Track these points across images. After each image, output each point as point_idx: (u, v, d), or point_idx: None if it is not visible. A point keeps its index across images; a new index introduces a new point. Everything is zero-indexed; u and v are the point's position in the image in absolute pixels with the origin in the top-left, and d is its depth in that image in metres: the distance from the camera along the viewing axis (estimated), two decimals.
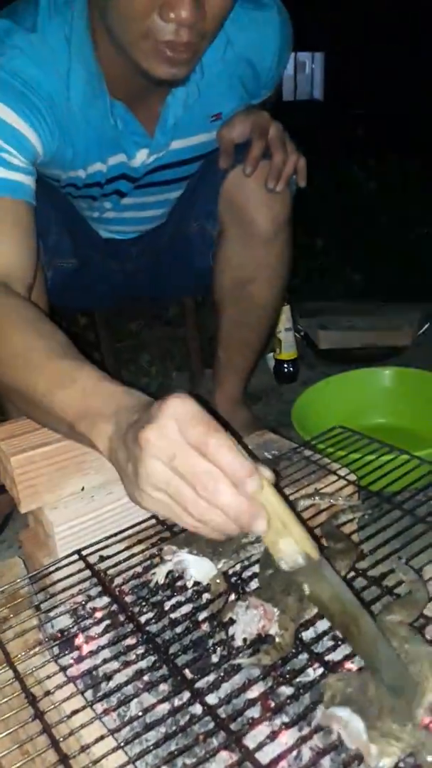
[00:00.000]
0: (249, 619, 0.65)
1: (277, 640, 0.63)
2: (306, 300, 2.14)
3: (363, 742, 0.51)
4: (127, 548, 0.82)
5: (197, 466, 0.59)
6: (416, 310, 2.05)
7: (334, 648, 0.65)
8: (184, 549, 0.75)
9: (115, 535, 0.84)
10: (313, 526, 0.84)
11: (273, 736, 0.57)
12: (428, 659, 0.57)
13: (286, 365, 1.84)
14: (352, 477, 0.93)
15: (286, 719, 0.60)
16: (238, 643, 0.65)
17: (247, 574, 0.77)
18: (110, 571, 0.79)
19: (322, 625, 0.71)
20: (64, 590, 0.77)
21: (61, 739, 0.57)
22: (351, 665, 0.64)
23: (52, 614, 0.75)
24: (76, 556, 0.81)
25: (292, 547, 0.63)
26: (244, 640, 0.65)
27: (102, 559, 0.81)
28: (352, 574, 0.74)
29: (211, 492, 0.59)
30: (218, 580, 0.75)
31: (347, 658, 0.63)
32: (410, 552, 0.75)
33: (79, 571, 0.79)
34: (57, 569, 0.80)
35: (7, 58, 0.93)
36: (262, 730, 0.59)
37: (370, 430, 1.10)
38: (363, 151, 4.05)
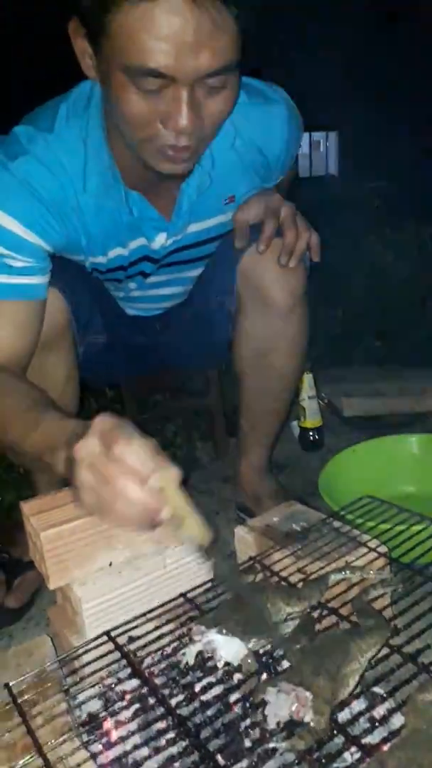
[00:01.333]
0: (282, 703, 0.63)
1: (312, 724, 0.61)
2: (329, 368, 2.16)
3: None
4: (156, 628, 0.81)
5: (111, 472, 0.73)
6: None
7: (371, 730, 0.63)
8: (213, 629, 0.75)
9: (144, 615, 0.84)
10: (345, 602, 0.82)
11: None
12: None
13: (311, 433, 1.84)
14: (383, 549, 0.92)
15: None
16: (271, 726, 0.64)
17: (279, 652, 0.76)
18: (139, 653, 0.78)
19: (358, 705, 0.69)
20: (93, 673, 0.76)
21: None
22: (387, 747, 0.62)
23: (81, 698, 0.74)
24: (105, 638, 0.80)
25: (190, 537, 0.78)
26: (278, 723, 0.64)
27: (131, 639, 0.80)
28: (386, 650, 0.72)
29: (121, 490, 0.73)
30: (249, 660, 0.73)
31: (385, 740, 0.61)
32: None
33: (109, 652, 0.78)
34: (86, 651, 0.79)
35: (20, 163, 1.02)
36: None
37: (399, 498, 1.09)
38: (378, 221, 4.16)
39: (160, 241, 1.19)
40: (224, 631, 0.73)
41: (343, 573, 0.86)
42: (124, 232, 1.15)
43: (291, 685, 0.64)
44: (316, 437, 1.84)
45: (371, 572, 0.86)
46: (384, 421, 1.87)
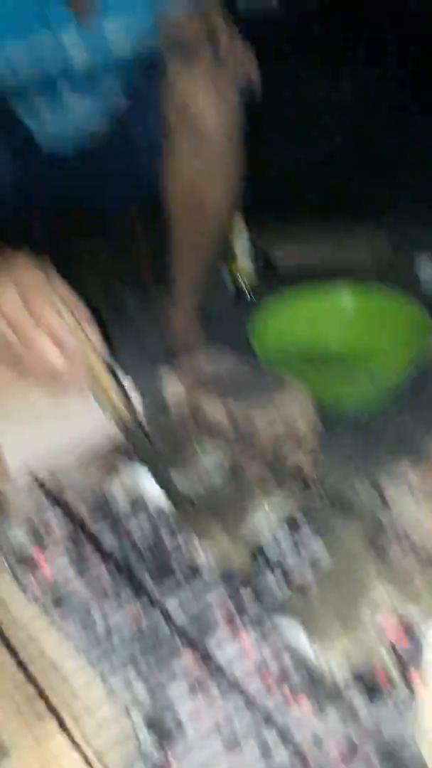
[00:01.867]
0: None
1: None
2: (262, 214, 2.08)
3: (306, 646, 0.53)
4: (83, 465, 0.81)
5: (26, 324, 0.69)
6: (378, 227, 2.03)
7: (294, 558, 0.67)
8: (142, 466, 0.75)
9: (69, 452, 0.83)
10: (268, 444, 0.84)
11: (233, 637, 0.58)
12: (377, 566, 0.59)
13: (242, 282, 1.81)
14: (311, 396, 0.93)
15: (246, 622, 0.62)
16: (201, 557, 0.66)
17: (201, 490, 0.77)
18: (64, 487, 0.77)
19: (283, 538, 0.72)
20: (17, 510, 0.75)
21: (20, 648, 0.57)
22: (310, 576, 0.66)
23: (10, 533, 0.74)
24: (30, 476, 0.79)
25: (108, 408, 0.76)
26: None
27: (56, 477, 0.80)
28: (312, 488, 0.75)
29: (35, 346, 0.70)
30: (177, 491, 0.74)
31: (307, 571, 0.65)
32: (368, 468, 0.77)
33: (34, 490, 0.77)
34: (13, 488, 0.78)
35: None
36: (227, 639, 0.61)
37: (329, 350, 1.10)
38: (323, 56, 3.81)
39: (71, 40, 1.04)
40: (150, 464, 0.74)
41: (270, 417, 0.87)
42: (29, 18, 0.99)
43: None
44: (248, 287, 1.81)
45: (298, 418, 0.88)
46: (317, 271, 1.85)
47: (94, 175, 1.33)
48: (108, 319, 0.97)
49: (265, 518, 0.68)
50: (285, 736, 0.48)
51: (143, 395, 0.99)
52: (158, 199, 1.31)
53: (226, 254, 1.77)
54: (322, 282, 1.57)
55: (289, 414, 0.88)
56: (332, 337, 1.39)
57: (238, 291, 1.80)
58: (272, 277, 1.90)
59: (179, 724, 0.53)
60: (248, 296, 1.80)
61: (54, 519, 0.75)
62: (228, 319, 1.71)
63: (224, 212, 1.34)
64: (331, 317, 1.44)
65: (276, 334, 1.30)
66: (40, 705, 0.51)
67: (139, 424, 0.75)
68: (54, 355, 0.70)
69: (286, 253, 1.96)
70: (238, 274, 1.79)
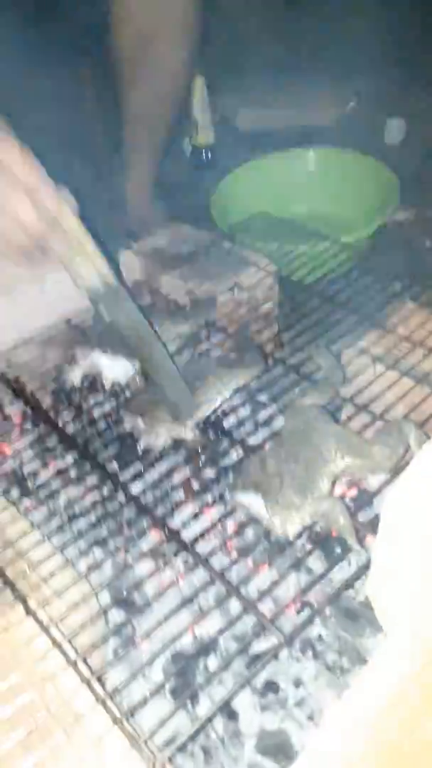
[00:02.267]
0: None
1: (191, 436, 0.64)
2: (222, 76, 1.90)
3: (266, 517, 0.53)
4: (39, 353, 0.78)
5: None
6: (342, 86, 1.88)
7: (254, 432, 0.66)
8: (98, 350, 0.72)
9: (26, 340, 0.79)
10: (232, 320, 0.81)
11: (197, 515, 0.59)
12: (335, 435, 0.59)
13: (203, 152, 1.69)
14: (272, 268, 0.89)
15: (209, 500, 0.62)
16: (160, 441, 0.65)
17: None
18: (22, 377, 0.75)
19: (244, 411, 0.72)
20: None
21: None
22: (268, 446, 0.66)
23: None
24: None
25: (92, 274, 0.62)
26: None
27: (11, 364, 0.77)
28: (271, 362, 0.73)
29: (4, 204, 0.58)
30: (137, 379, 0.72)
31: (266, 441, 0.65)
32: (329, 339, 0.75)
33: None
34: None
35: None
36: (186, 511, 0.61)
37: (293, 216, 1.04)
38: None
39: None
40: (109, 351, 0.71)
41: (232, 293, 0.84)
42: None
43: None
44: (209, 157, 1.69)
45: (258, 291, 0.84)
46: (281, 135, 1.73)
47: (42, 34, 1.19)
48: None
49: (222, 392, 0.67)
50: (248, 606, 0.49)
51: None
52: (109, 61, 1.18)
53: (185, 122, 1.64)
54: (287, 146, 1.47)
55: (251, 288, 0.85)
56: (295, 203, 1.32)
57: (198, 161, 1.68)
58: (233, 144, 1.77)
59: (147, 601, 0.54)
60: (208, 165, 1.68)
61: (14, 409, 0.73)
62: (187, 192, 1.61)
63: (181, 71, 1.21)
64: (295, 182, 1.36)
65: (237, 204, 1.23)
66: (7, 593, 0.51)
67: (122, 287, 0.64)
68: (30, 216, 0.59)
69: (248, 118, 1.82)
70: (197, 143, 1.66)
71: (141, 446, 0.65)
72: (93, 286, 0.62)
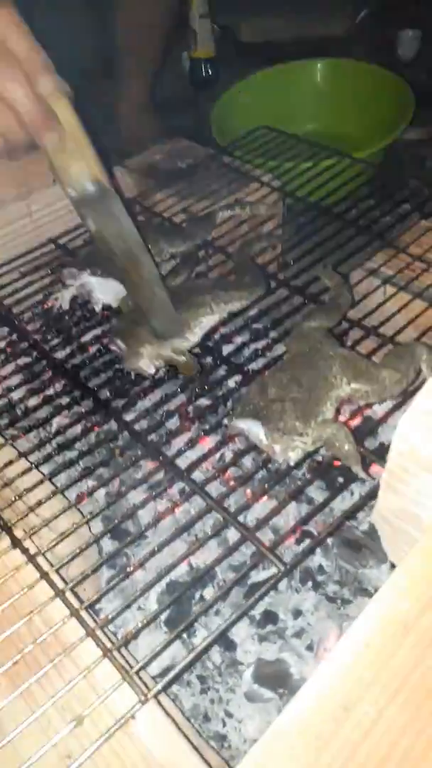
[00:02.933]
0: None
1: (183, 359, 0.59)
2: None
3: (266, 444, 0.50)
4: (23, 276, 0.73)
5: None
6: None
7: (254, 359, 0.62)
8: (87, 271, 0.67)
9: (9, 263, 0.74)
10: (233, 240, 0.75)
11: (192, 443, 0.56)
12: (340, 359, 0.55)
13: (203, 65, 1.58)
14: (277, 183, 0.83)
15: (206, 427, 0.59)
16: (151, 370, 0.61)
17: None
18: (6, 301, 0.70)
19: (242, 338, 0.68)
20: None
21: None
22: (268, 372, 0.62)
23: None
24: None
25: (84, 172, 0.55)
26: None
27: (1, 293, 0.72)
28: (273, 284, 0.68)
29: (1, 81, 0.50)
30: (128, 302, 0.68)
31: (266, 367, 0.61)
32: (337, 259, 0.70)
33: None
34: None
35: None
36: (182, 440, 0.58)
37: (300, 132, 0.97)
38: None
39: None
40: (99, 272, 0.66)
41: (233, 209, 0.78)
42: None
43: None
44: (209, 71, 1.58)
45: (261, 207, 0.79)
46: (285, 47, 1.61)
47: None
48: None
49: (219, 313, 0.62)
50: (246, 534, 0.47)
51: None
52: None
53: (183, 33, 1.52)
54: (291, 59, 1.36)
55: (253, 205, 0.79)
56: (302, 118, 1.23)
57: (197, 75, 1.57)
58: (235, 57, 1.65)
59: (141, 530, 0.51)
60: (207, 79, 1.58)
61: (3, 336, 0.69)
62: (185, 107, 1.51)
63: None
64: (301, 97, 1.27)
65: (239, 120, 1.14)
66: None
67: (115, 192, 0.57)
68: (26, 103, 0.52)
69: (250, 28, 1.69)
70: (197, 56, 1.55)
71: (124, 369, 0.60)
72: (83, 187, 0.55)
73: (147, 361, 0.58)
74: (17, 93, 0.51)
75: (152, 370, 0.59)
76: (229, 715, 0.55)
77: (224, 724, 0.54)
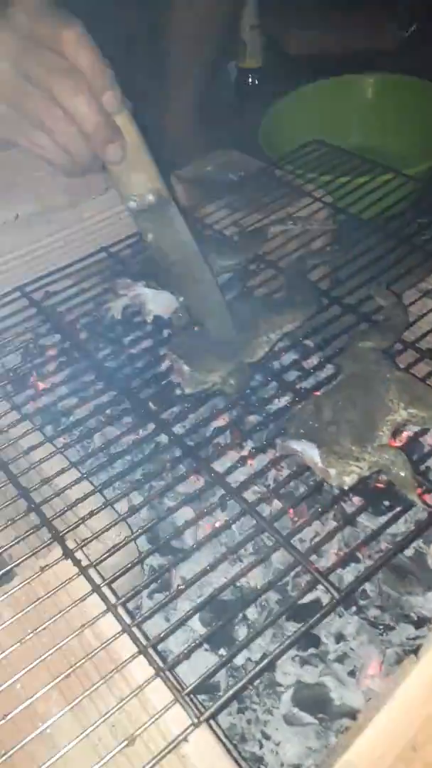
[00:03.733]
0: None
1: (231, 383, 0.59)
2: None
3: (321, 468, 0.49)
4: (76, 284, 0.74)
5: (53, 65, 0.50)
6: (400, 8, 1.72)
7: (305, 377, 0.62)
8: (141, 282, 0.67)
9: (62, 270, 0.75)
10: (284, 255, 0.75)
11: (242, 461, 0.55)
12: (396, 382, 0.54)
13: (250, 76, 1.58)
14: (329, 199, 0.82)
15: (257, 445, 0.59)
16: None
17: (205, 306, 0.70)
18: (59, 308, 0.71)
19: (293, 355, 0.67)
20: (9, 329, 0.70)
21: (20, 474, 0.54)
22: (321, 392, 0.62)
23: (5, 359, 0.69)
24: (18, 293, 0.72)
25: (144, 183, 0.57)
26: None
27: (48, 295, 0.73)
28: (326, 301, 0.68)
29: (68, 96, 0.51)
30: (180, 314, 0.68)
31: (317, 386, 0.60)
32: (390, 278, 0.69)
33: (24, 308, 0.71)
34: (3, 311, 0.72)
35: None
36: (231, 457, 0.58)
37: (348, 146, 0.96)
38: None
39: None
40: (153, 284, 0.66)
41: (285, 224, 0.78)
42: None
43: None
44: (256, 81, 1.58)
45: (314, 223, 0.78)
46: (333, 60, 1.60)
47: None
48: None
49: (274, 332, 0.62)
50: (299, 558, 0.46)
51: None
52: None
53: (233, 45, 1.53)
54: (341, 72, 1.36)
55: (305, 220, 0.78)
56: (350, 133, 1.23)
57: (246, 86, 1.57)
58: (282, 68, 1.66)
59: (190, 547, 0.51)
60: (254, 90, 1.58)
61: (51, 341, 0.69)
62: (231, 117, 1.52)
63: None
64: (350, 110, 1.26)
65: (287, 133, 1.14)
66: (44, 532, 0.49)
67: (174, 202, 0.58)
68: (94, 121, 0.52)
69: (298, 41, 1.69)
70: (245, 67, 1.56)
71: (186, 391, 0.60)
72: (144, 198, 0.56)
73: (210, 384, 0.58)
74: (83, 108, 0.51)
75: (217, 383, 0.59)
76: (267, 737, 0.54)
77: (261, 746, 0.54)
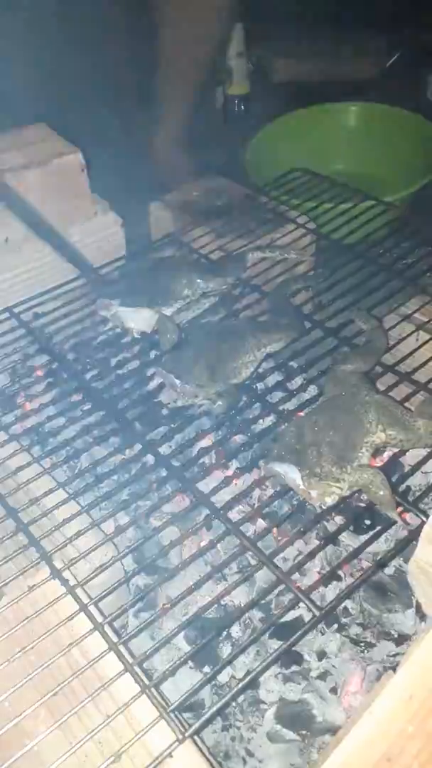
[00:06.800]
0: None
1: (219, 403, 0.61)
2: (259, 22, 1.81)
3: (303, 489, 0.51)
4: (64, 305, 0.75)
5: None
6: (382, 38, 1.77)
7: (288, 399, 0.63)
8: (117, 300, 0.69)
9: (50, 291, 0.76)
10: (268, 279, 0.77)
11: (227, 481, 0.57)
12: (376, 405, 0.56)
13: (237, 102, 1.62)
14: (311, 225, 0.85)
15: (241, 466, 0.60)
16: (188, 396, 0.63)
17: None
18: (48, 329, 0.72)
19: (276, 377, 0.69)
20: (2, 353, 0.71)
21: (8, 494, 0.55)
22: (303, 413, 0.63)
23: None
24: (7, 314, 0.73)
25: None
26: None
27: (37, 317, 0.74)
28: (309, 325, 0.70)
29: None
30: (168, 325, 0.69)
31: (300, 408, 0.62)
32: (371, 302, 0.71)
33: (13, 329, 0.72)
34: None
35: None
36: (216, 476, 0.59)
37: (330, 173, 0.99)
38: None
39: None
40: (129, 301, 0.68)
41: (264, 252, 0.80)
42: None
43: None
44: (243, 107, 1.62)
45: (293, 252, 0.80)
46: (317, 88, 1.65)
47: None
48: (89, 149, 0.86)
49: (258, 355, 0.64)
50: (282, 577, 0.47)
51: (128, 231, 0.91)
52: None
53: (219, 71, 1.57)
54: (324, 100, 1.40)
55: (287, 246, 0.81)
56: (333, 159, 1.26)
57: (232, 112, 1.61)
58: (268, 95, 1.70)
59: (175, 567, 0.52)
60: (241, 116, 1.61)
61: (39, 362, 0.70)
62: (218, 143, 1.55)
63: (222, 9, 1.15)
64: (333, 137, 1.30)
65: (272, 159, 1.17)
66: (32, 552, 0.50)
67: None
68: None
69: (284, 69, 1.73)
70: (231, 94, 1.59)
71: (178, 404, 0.62)
72: None
73: (201, 397, 0.60)
74: None
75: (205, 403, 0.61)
76: (250, 754, 0.55)
77: (245, 763, 0.54)
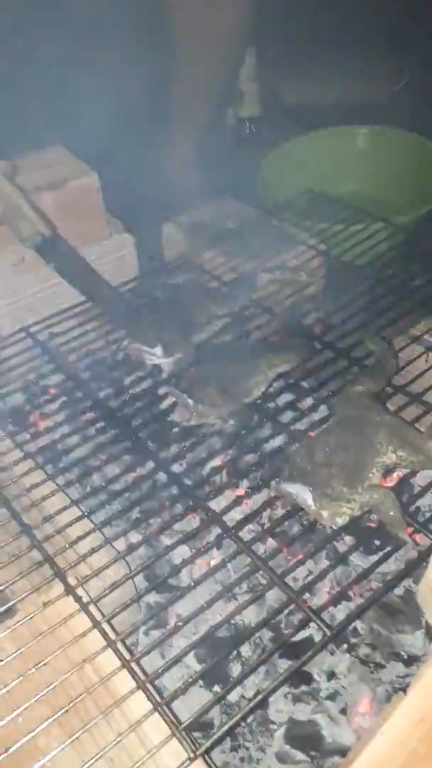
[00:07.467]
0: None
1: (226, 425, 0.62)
2: (272, 47, 1.84)
3: (314, 510, 0.51)
4: (80, 325, 0.76)
5: None
6: (392, 61, 1.80)
7: (299, 418, 0.64)
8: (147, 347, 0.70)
9: (66, 311, 0.78)
10: (279, 300, 0.78)
11: (238, 500, 0.57)
12: (386, 426, 0.56)
13: (248, 124, 1.64)
14: (322, 247, 0.86)
15: (252, 485, 0.61)
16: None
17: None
18: (62, 349, 0.74)
19: (285, 398, 0.70)
20: (12, 369, 0.72)
21: (23, 512, 0.56)
22: (314, 433, 0.64)
23: (3, 392, 0.71)
24: (23, 334, 0.75)
25: (28, 227, 0.74)
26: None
27: (53, 336, 0.75)
28: (318, 346, 0.71)
29: None
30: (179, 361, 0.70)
31: (311, 428, 0.63)
32: (380, 324, 0.72)
33: (28, 348, 0.73)
34: (3, 347, 0.74)
35: None
36: (227, 496, 0.60)
37: (340, 195, 1.00)
38: None
39: None
40: (150, 341, 0.69)
41: (273, 273, 0.81)
42: None
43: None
44: (253, 129, 1.64)
45: (303, 274, 0.81)
46: (328, 111, 1.67)
47: None
48: (101, 169, 0.88)
49: (269, 375, 0.65)
50: (293, 596, 0.48)
51: (141, 251, 0.93)
52: (158, 23, 1.14)
53: (232, 94, 1.59)
54: (334, 122, 1.42)
55: (297, 268, 0.82)
56: (343, 181, 1.28)
57: (243, 134, 1.63)
58: (278, 117, 1.72)
59: (187, 585, 0.53)
60: (251, 138, 1.64)
61: (54, 380, 0.72)
62: (229, 164, 1.57)
63: (236, 33, 1.17)
64: (343, 160, 1.32)
65: (283, 180, 1.19)
66: (46, 569, 0.51)
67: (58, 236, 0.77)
68: None
69: (295, 91, 1.76)
70: (243, 116, 1.62)
71: (190, 423, 0.63)
72: (32, 239, 0.74)
73: (213, 417, 0.61)
74: None
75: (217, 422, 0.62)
76: None
77: None
